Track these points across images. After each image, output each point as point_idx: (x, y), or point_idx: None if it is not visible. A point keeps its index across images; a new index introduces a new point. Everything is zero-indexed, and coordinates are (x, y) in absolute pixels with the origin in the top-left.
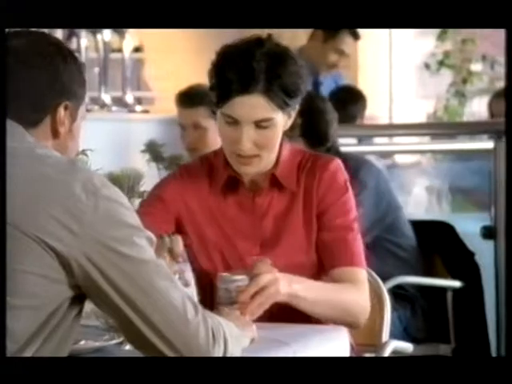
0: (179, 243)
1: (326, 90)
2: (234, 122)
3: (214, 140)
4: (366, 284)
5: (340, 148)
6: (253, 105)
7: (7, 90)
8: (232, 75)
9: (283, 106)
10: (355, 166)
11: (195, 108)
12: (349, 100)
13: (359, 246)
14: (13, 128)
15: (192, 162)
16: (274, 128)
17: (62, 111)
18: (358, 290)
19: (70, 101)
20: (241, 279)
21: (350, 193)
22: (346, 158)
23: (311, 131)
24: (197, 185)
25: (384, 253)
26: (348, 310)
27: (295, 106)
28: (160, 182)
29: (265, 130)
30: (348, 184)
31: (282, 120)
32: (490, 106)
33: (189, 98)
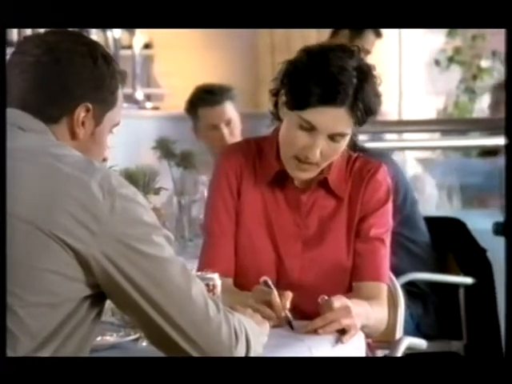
0: (288, 300)
1: None
2: (310, 128)
3: (239, 133)
4: (386, 299)
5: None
6: (336, 117)
7: (35, 81)
8: (322, 85)
9: (359, 123)
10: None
11: (223, 104)
12: None
13: (387, 261)
14: (34, 125)
15: (237, 143)
16: (343, 143)
17: (81, 113)
18: (382, 308)
19: (94, 104)
20: (211, 278)
21: (390, 204)
22: (364, 152)
23: None
24: (249, 167)
25: (398, 248)
26: (377, 327)
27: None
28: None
29: (335, 143)
30: (390, 194)
31: (348, 137)
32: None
33: (216, 95)
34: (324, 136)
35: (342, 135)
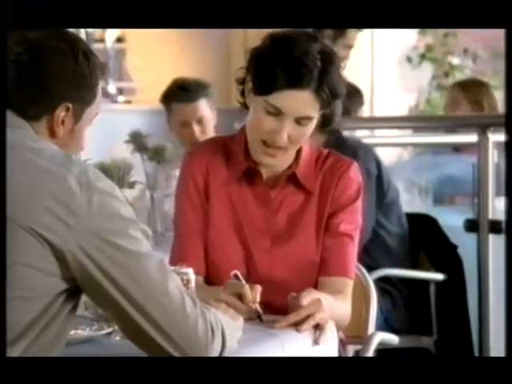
0: (258, 293)
1: None
2: (276, 113)
3: (212, 130)
4: (351, 294)
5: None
6: (302, 101)
7: (16, 79)
8: (286, 68)
9: (326, 107)
10: (355, 150)
11: (197, 101)
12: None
13: (355, 256)
14: (14, 120)
15: (204, 143)
16: (310, 126)
17: (61, 113)
18: (346, 303)
19: (74, 103)
20: (185, 272)
21: (360, 201)
22: (347, 142)
23: None
24: (216, 166)
25: (372, 237)
26: (340, 322)
27: (331, 109)
28: (182, 169)
29: (302, 126)
30: (360, 191)
31: (315, 121)
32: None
33: (190, 92)
34: (291, 120)
35: (309, 118)
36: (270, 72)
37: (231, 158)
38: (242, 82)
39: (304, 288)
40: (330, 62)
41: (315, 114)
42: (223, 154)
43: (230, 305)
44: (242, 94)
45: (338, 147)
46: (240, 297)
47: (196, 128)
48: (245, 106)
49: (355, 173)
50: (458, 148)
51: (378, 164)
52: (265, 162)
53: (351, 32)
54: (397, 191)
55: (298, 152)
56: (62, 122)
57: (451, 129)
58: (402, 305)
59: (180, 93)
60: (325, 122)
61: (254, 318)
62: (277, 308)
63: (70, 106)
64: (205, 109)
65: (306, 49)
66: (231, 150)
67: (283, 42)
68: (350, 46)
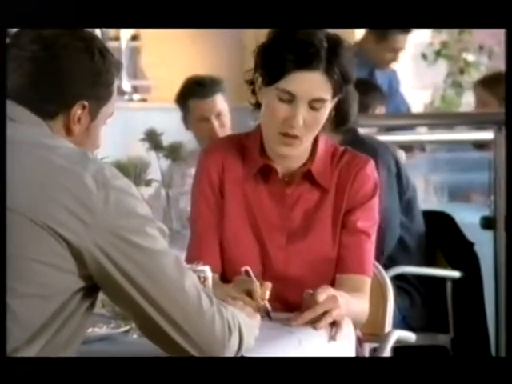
0: (267, 291)
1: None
2: (289, 98)
3: (229, 124)
4: (368, 292)
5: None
6: (313, 82)
7: (32, 77)
8: (294, 50)
9: (337, 90)
10: (374, 148)
11: (214, 96)
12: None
13: (372, 254)
14: (28, 117)
15: (219, 140)
16: (323, 111)
17: (77, 111)
18: (363, 300)
19: (90, 101)
20: (202, 270)
21: (377, 199)
22: (365, 141)
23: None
24: (231, 163)
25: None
26: (357, 319)
27: (341, 94)
28: (198, 165)
29: (315, 111)
30: (377, 188)
31: (329, 107)
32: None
33: (207, 87)
34: (304, 103)
35: (322, 101)
36: (278, 57)
37: (246, 154)
38: (251, 82)
39: (320, 285)
40: (336, 43)
41: (328, 96)
42: (238, 151)
43: (239, 300)
44: (253, 92)
45: (357, 146)
46: (249, 293)
47: (215, 122)
48: (257, 106)
49: (371, 170)
50: (481, 145)
51: (397, 162)
52: (282, 152)
53: (395, 35)
54: (414, 188)
55: (314, 148)
56: (79, 119)
57: (469, 126)
58: (420, 303)
59: (197, 89)
60: (340, 121)
61: (263, 315)
62: (292, 305)
63: (87, 103)
64: (222, 103)
65: (311, 32)
66: (247, 147)
67: (287, 32)
68: (397, 49)
